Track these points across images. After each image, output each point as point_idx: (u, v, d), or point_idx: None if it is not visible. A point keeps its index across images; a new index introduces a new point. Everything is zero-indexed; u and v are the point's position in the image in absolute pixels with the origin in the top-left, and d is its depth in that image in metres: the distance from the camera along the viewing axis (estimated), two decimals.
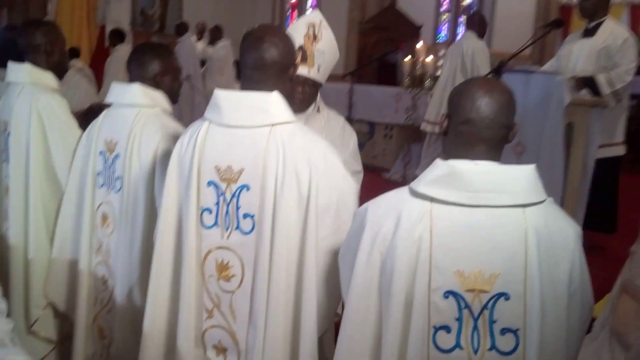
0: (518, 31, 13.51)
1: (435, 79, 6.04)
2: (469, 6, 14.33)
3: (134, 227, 2.14)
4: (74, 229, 2.34)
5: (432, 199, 1.41)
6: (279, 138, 1.70)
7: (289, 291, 1.72)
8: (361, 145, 3.01)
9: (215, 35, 9.01)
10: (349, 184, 1.81)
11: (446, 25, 14.09)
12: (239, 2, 14.42)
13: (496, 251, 1.38)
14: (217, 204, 1.75)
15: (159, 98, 2.24)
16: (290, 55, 1.81)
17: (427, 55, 5.82)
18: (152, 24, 12.50)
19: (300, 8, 14.80)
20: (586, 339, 2.14)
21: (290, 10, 15.23)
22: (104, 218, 2.25)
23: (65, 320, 2.47)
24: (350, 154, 2.50)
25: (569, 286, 1.41)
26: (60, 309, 2.44)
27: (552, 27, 4.17)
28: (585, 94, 3.98)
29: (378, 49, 10.89)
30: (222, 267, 1.78)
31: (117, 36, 7.42)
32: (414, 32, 11.65)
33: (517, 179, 1.40)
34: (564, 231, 1.44)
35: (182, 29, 8.83)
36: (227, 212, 1.75)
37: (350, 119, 3.96)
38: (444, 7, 13.97)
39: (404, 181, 6.04)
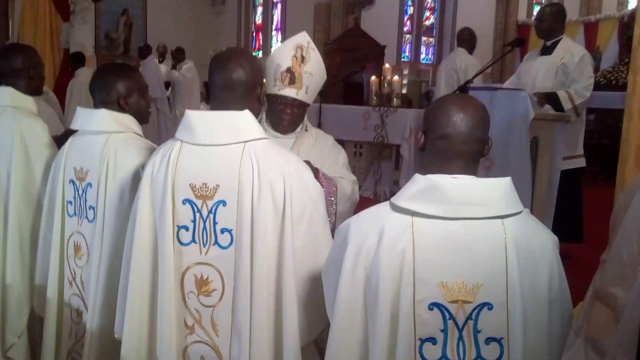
0: (478, 50, 13.90)
1: (401, 97, 6.14)
2: (430, 27, 14.69)
3: (112, 257, 2.07)
4: (43, 258, 2.29)
5: (413, 213, 1.44)
6: (252, 154, 1.75)
7: (270, 301, 1.75)
8: None
9: (178, 57, 8.98)
10: (319, 192, 1.88)
11: (409, 45, 14.39)
12: (203, 24, 14.46)
13: (477, 262, 1.41)
14: (194, 221, 1.78)
15: (128, 122, 2.17)
16: (257, 76, 1.87)
17: (393, 75, 5.92)
18: (116, 47, 12.42)
19: (265, 30, 14.90)
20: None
21: (255, 32, 15.31)
22: (77, 248, 2.19)
23: (40, 346, 2.40)
24: (342, 166, 2.57)
25: (548, 293, 1.45)
26: None
27: (514, 46, 4.31)
28: (548, 109, 4.11)
29: (343, 69, 10.99)
30: (202, 283, 1.79)
31: (78, 60, 7.31)
32: (378, 52, 11.83)
33: (494, 192, 1.44)
34: (541, 240, 1.48)
35: (145, 51, 8.77)
36: (204, 228, 1.77)
37: None
38: (407, 28, 14.27)
39: (375, 197, 6.09)
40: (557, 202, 3.91)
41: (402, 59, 13.80)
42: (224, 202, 1.75)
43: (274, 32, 14.68)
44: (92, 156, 2.12)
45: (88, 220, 2.15)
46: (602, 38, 12.25)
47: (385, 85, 5.77)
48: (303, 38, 2.49)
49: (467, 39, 6.33)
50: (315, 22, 12.38)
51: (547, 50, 4.40)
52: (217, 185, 1.75)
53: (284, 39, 12.84)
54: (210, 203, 1.76)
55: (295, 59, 2.43)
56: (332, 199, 2.37)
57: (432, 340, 1.42)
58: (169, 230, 1.77)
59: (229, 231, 1.76)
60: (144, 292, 1.85)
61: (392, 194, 1.56)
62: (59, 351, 2.25)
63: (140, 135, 2.22)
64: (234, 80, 1.80)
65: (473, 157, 1.51)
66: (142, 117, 2.26)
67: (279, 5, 14.59)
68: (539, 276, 1.44)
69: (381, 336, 1.42)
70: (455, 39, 6.29)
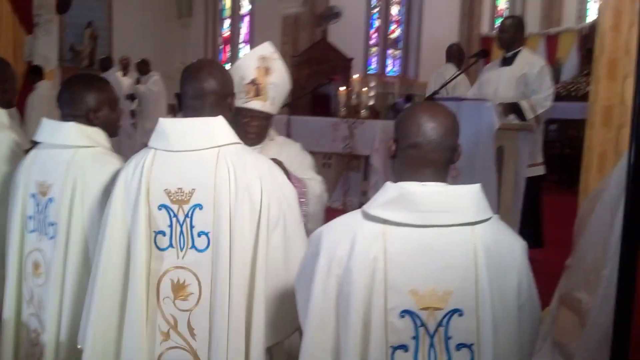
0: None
1: (369, 108, 6.20)
2: (396, 40, 14.89)
3: (79, 276, 2.01)
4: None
5: (384, 221, 1.45)
6: (227, 158, 1.78)
7: (245, 301, 1.78)
8: None
9: (143, 68, 8.85)
10: (293, 193, 1.93)
11: (375, 58, 14.56)
12: (169, 36, 14.38)
13: (448, 269, 1.42)
14: (170, 225, 1.79)
15: (96, 136, 2.11)
16: (228, 85, 1.94)
17: (361, 86, 5.98)
18: (81, 59, 12.25)
19: (233, 42, 14.89)
20: None
21: (222, 45, 15.28)
22: (36, 266, 2.09)
23: None
24: (308, 168, 2.57)
25: (518, 299, 1.47)
26: None
27: (479, 57, 4.41)
28: (513, 118, 4.20)
29: (311, 81, 11.05)
30: (178, 287, 1.79)
31: (36, 73, 7.16)
32: (345, 64, 11.95)
33: (464, 199, 1.46)
34: (510, 246, 1.50)
35: (106, 63, 8.65)
36: (181, 232, 1.79)
37: None
38: (373, 40, 14.44)
39: (344, 208, 6.11)
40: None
41: (369, 71, 13.94)
42: (200, 206, 1.77)
43: (241, 45, 14.68)
44: (56, 170, 2.05)
45: (48, 237, 2.06)
46: (562, 50, 12.59)
47: (354, 96, 5.82)
48: (266, 49, 2.47)
49: (455, 55, 6.45)
50: (282, 34, 12.42)
51: (507, 62, 4.51)
52: (192, 189, 1.77)
53: None
54: (186, 207, 1.77)
55: (259, 70, 2.40)
56: (303, 199, 2.37)
57: (404, 348, 1.42)
58: (141, 236, 1.77)
59: (206, 234, 1.77)
60: (113, 300, 1.82)
61: (361, 204, 1.58)
62: None
63: (110, 149, 2.16)
64: (205, 90, 1.84)
65: (443, 165, 1.53)
66: (112, 130, 2.20)
67: (246, 18, 14.61)
68: (508, 282, 1.46)
69: (353, 344, 1.42)
70: (445, 54, 6.38)
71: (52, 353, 2.02)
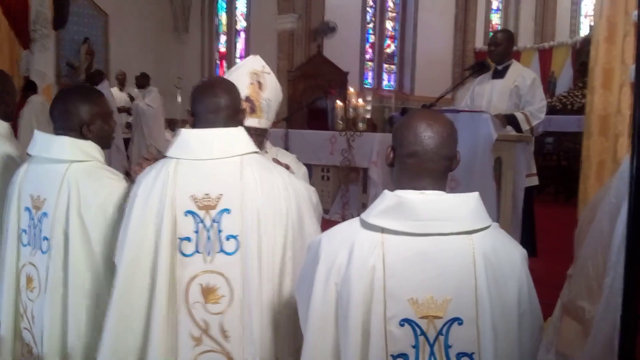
0: (437, 76, 14.27)
1: (366, 121, 6.21)
2: (392, 54, 15.00)
3: (68, 291, 1.99)
4: None
5: (382, 230, 1.44)
6: (252, 164, 1.86)
7: (277, 302, 1.84)
8: None
9: (142, 82, 8.83)
10: (310, 195, 2.03)
11: (371, 72, 14.65)
12: (166, 52, 14.43)
13: (446, 277, 1.41)
14: (197, 231, 1.82)
15: (90, 150, 2.08)
16: (239, 101, 2.00)
17: (357, 99, 5.99)
18: (78, 75, 12.27)
19: (229, 58, 14.96)
20: None
21: (218, 60, 15.35)
22: (29, 280, 2.07)
23: None
24: (302, 178, 2.53)
25: (518, 307, 1.45)
26: None
27: (475, 69, 4.43)
28: (510, 130, 4.22)
29: (307, 96, 11.11)
30: (208, 291, 1.81)
31: (30, 87, 7.18)
32: (341, 79, 12.02)
33: (462, 207, 1.45)
34: (510, 254, 1.49)
35: (97, 77, 8.56)
36: (208, 237, 1.82)
37: None
38: (369, 55, 14.54)
39: (343, 221, 6.08)
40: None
41: (365, 86, 14.02)
42: (228, 210, 1.81)
43: (237, 60, 14.74)
44: (50, 185, 2.03)
45: (41, 252, 2.04)
46: (556, 64, 12.71)
47: (351, 109, 5.83)
48: (256, 63, 2.46)
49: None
50: (278, 49, 12.51)
51: (499, 74, 4.57)
52: (220, 194, 1.82)
53: None
54: (213, 212, 1.81)
55: (252, 87, 2.39)
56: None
57: (404, 356, 1.41)
58: (166, 243, 1.78)
59: (235, 237, 1.81)
60: (137, 308, 1.81)
61: None
62: None
63: (103, 163, 2.14)
64: (221, 105, 1.89)
65: (441, 173, 1.52)
66: (105, 143, 2.18)
67: (242, 33, 14.69)
68: (508, 290, 1.45)
69: (353, 353, 1.41)
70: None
71: None
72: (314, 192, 2.52)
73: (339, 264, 1.45)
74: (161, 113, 8.77)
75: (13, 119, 2.60)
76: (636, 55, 1.53)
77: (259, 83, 2.41)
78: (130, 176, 2.13)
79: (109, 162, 8.07)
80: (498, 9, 16.26)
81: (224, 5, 15.12)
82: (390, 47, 15.00)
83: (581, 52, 10.60)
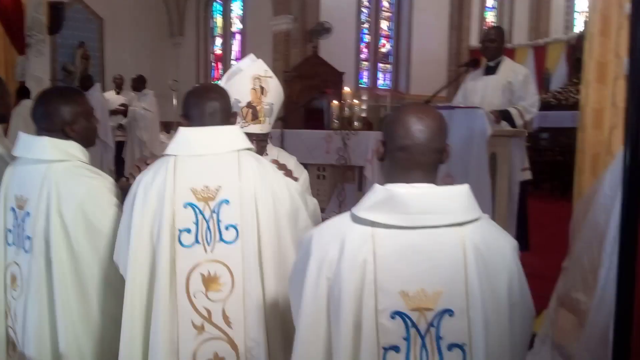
0: (433, 75, 14.27)
1: (362, 120, 6.22)
2: (387, 54, 15.01)
3: (50, 290, 1.99)
4: None
5: (373, 224, 1.44)
6: (248, 159, 1.94)
7: (276, 289, 1.90)
8: None
9: (139, 85, 8.82)
10: (296, 192, 2.06)
11: (366, 72, 14.66)
12: (161, 55, 14.44)
13: (437, 269, 1.41)
14: (196, 222, 1.87)
15: (71, 149, 2.09)
16: (230, 106, 2.07)
17: (352, 99, 5.99)
18: (73, 79, 12.26)
19: (225, 60, 14.96)
20: (528, 355, 2.20)
21: (214, 62, 15.35)
22: (13, 279, 2.09)
23: None
24: (302, 186, 2.53)
25: (509, 298, 1.46)
26: None
27: (469, 66, 4.45)
28: (505, 125, 4.23)
29: (303, 96, 11.10)
30: (210, 280, 1.86)
31: (23, 92, 7.18)
32: (337, 79, 12.01)
33: (452, 199, 1.46)
34: (500, 245, 1.49)
35: (87, 82, 8.52)
36: (207, 227, 1.87)
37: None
38: (364, 55, 14.55)
39: None
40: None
41: (360, 85, 14.02)
42: (227, 201, 1.88)
43: (233, 62, 14.74)
44: (31, 185, 2.05)
45: (24, 251, 2.06)
46: (550, 60, 12.72)
47: (346, 108, 5.83)
48: (259, 67, 2.45)
49: None
50: (274, 50, 12.51)
51: (491, 70, 4.60)
52: (218, 186, 1.88)
53: None
54: (212, 204, 1.88)
55: (254, 91, 2.39)
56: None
57: (396, 349, 1.41)
58: (165, 235, 1.83)
59: (234, 226, 1.87)
60: (140, 301, 1.86)
61: None
62: None
63: (85, 162, 2.14)
64: (216, 107, 1.96)
65: (432, 166, 1.52)
66: (89, 141, 2.19)
67: (238, 36, 14.70)
68: (498, 281, 1.45)
69: (345, 346, 1.41)
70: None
71: None
72: (314, 204, 2.50)
73: (331, 259, 1.45)
74: (157, 116, 8.77)
75: (7, 121, 2.61)
76: (630, 49, 1.53)
77: (262, 88, 2.41)
78: (128, 179, 2.18)
79: (101, 162, 8.03)
80: (493, 7, 16.29)
81: (220, 7, 15.13)
82: (386, 46, 15.01)
83: (576, 49, 10.61)
